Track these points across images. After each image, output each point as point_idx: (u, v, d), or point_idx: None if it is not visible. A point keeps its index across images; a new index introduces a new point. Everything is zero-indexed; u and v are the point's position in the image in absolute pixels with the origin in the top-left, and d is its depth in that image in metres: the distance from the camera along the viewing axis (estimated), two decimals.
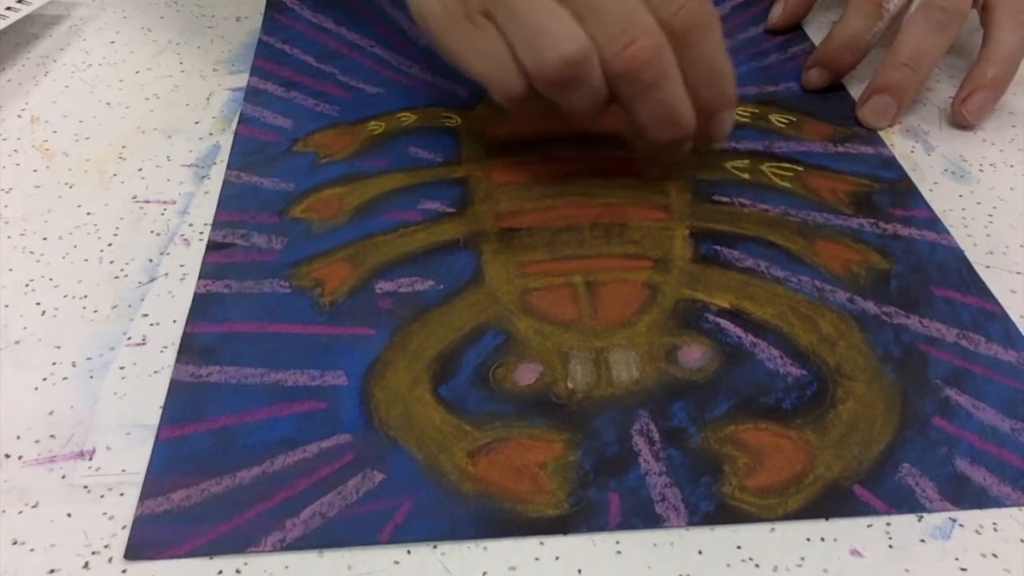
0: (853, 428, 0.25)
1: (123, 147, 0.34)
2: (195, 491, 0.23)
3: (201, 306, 0.28)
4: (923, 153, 0.35)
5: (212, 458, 0.23)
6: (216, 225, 0.31)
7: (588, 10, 0.27)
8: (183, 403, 0.25)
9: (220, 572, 0.21)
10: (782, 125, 0.36)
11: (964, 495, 0.23)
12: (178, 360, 0.26)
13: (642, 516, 0.22)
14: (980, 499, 0.23)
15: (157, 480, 0.23)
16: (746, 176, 0.33)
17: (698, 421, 0.25)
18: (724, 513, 0.22)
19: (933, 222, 0.32)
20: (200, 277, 0.29)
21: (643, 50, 0.27)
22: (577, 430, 0.24)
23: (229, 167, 0.33)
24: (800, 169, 0.34)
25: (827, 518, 0.22)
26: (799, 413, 0.25)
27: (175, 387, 0.25)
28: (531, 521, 0.22)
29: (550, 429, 0.24)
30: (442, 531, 0.22)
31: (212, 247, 0.30)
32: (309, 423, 0.24)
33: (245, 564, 0.21)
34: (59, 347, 0.26)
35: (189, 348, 0.26)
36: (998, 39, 0.36)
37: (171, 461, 0.23)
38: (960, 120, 0.36)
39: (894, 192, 0.33)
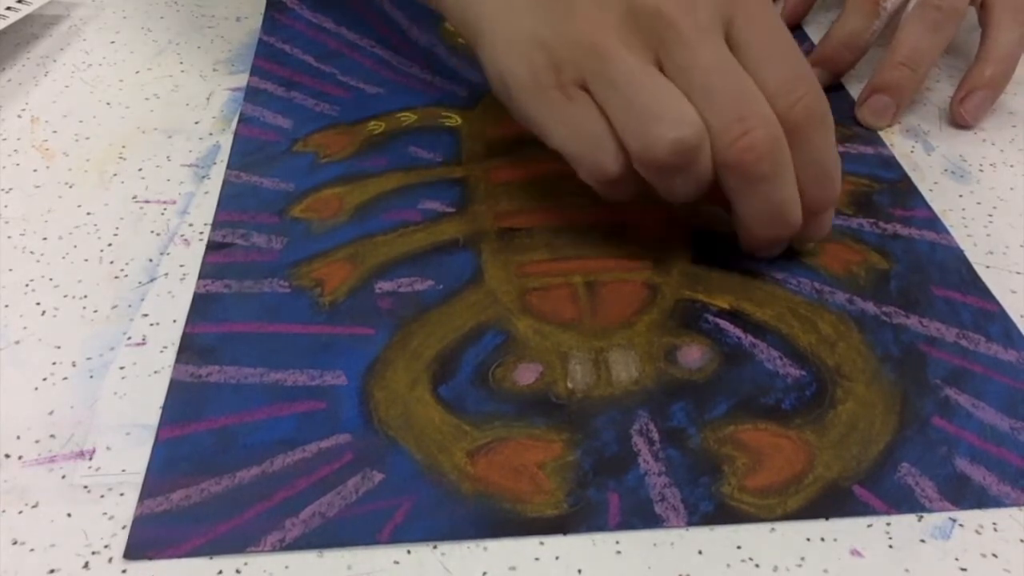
0: (852, 428, 0.25)
1: (123, 147, 0.34)
2: (195, 491, 0.23)
3: (201, 306, 0.28)
4: (923, 153, 0.35)
5: (212, 458, 0.23)
6: (216, 225, 0.31)
7: (702, 91, 0.25)
8: (183, 403, 0.25)
9: (220, 572, 0.21)
10: None
11: (964, 494, 0.23)
12: (178, 360, 0.26)
13: (641, 516, 0.22)
14: (980, 498, 0.23)
15: (157, 480, 0.23)
16: None
17: (697, 421, 0.25)
18: (723, 513, 0.22)
19: (933, 222, 0.32)
20: (200, 277, 0.29)
21: (760, 142, 0.25)
22: (576, 430, 0.24)
23: (229, 167, 0.33)
24: None
25: (827, 518, 0.22)
26: (798, 413, 0.25)
27: (175, 387, 0.25)
28: (530, 521, 0.22)
29: (549, 429, 0.24)
30: (441, 531, 0.22)
31: (212, 247, 0.30)
32: (309, 423, 0.24)
33: (245, 564, 0.21)
34: (59, 347, 0.26)
35: (189, 348, 0.26)
36: (996, 38, 0.36)
37: (171, 461, 0.23)
38: (958, 120, 0.36)
39: (894, 192, 0.33)
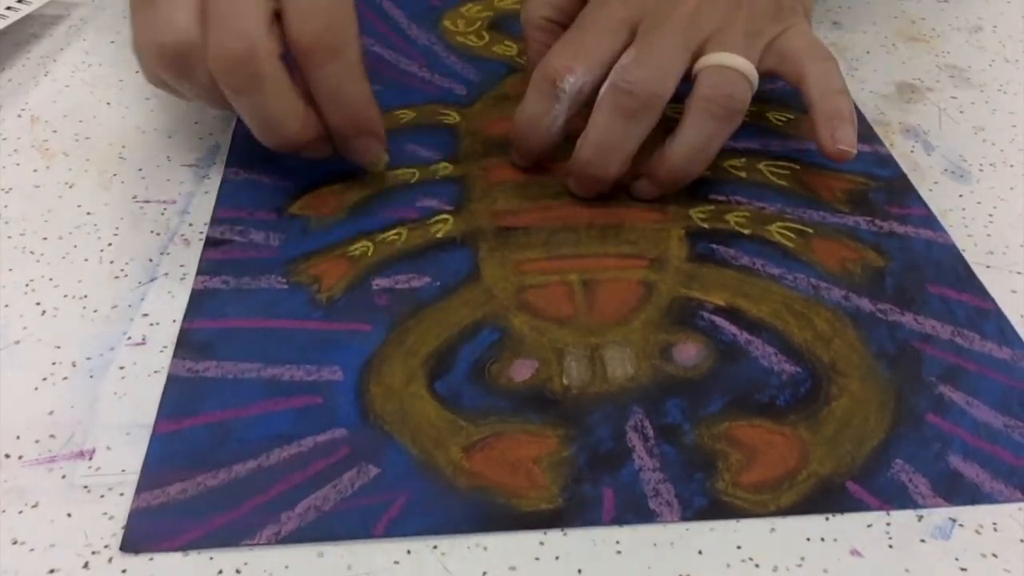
0: (847, 425, 0.25)
1: (123, 147, 0.35)
2: (191, 484, 0.23)
3: (198, 302, 0.28)
4: (923, 153, 0.35)
5: (208, 452, 0.24)
6: (214, 221, 0.31)
7: (212, 7, 0.27)
8: (180, 398, 0.25)
9: (220, 572, 0.21)
10: (780, 123, 0.36)
11: (957, 491, 0.23)
12: (175, 355, 0.26)
13: (635, 511, 0.23)
14: (973, 495, 0.23)
15: (153, 474, 0.23)
16: (743, 174, 0.34)
17: (692, 418, 0.25)
18: (717, 509, 0.23)
19: (929, 220, 0.32)
20: (198, 273, 0.29)
21: (229, 52, 0.27)
22: (572, 426, 0.24)
23: (228, 164, 0.33)
24: (797, 167, 0.34)
25: (820, 514, 0.23)
26: (793, 410, 0.25)
27: (172, 382, 0.25)
28: (525, 516, 0.22)
29: (545, 425, 0.24)
30: (436, 525, 0.22)
31: (210, 243, 0.30)
32: (305, 418, 0.25)
33: (245, 564, 0.21)
34: (59, 347, 0.27)
35: (186, 343, 0.27)
36: (815, 76, 0.31)
37: (167, 455, 0.24)
38: (842, 157, 0.31)
39: (891, 190, 0.33)
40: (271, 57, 0.28)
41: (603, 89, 0.30)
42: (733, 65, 0.30)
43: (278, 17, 0.28)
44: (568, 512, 0.22)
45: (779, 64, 0.32)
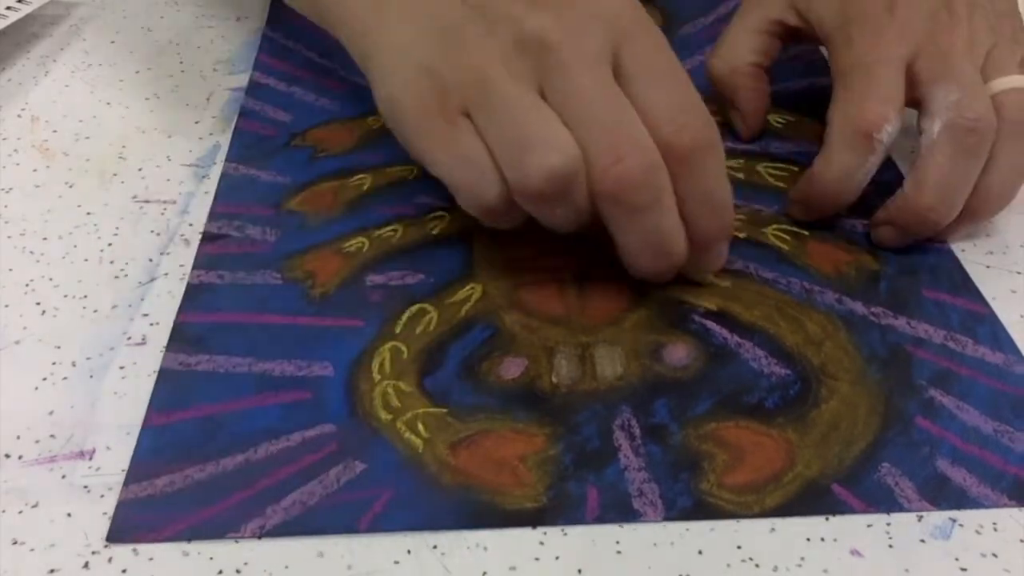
0: (835, 427, 0.25)
1: (123, 147, 0.35)
2: (179, 477, 0.23)
3: (193, 296, 0.28)
4: None
5: (197, 445, 0.24)
6: (212, 216, 0.31)
7: (579, 119, 0.25)
8: (171, 391, 0.25)
9: (220, 572, 0.21)
10: (779, 125, 0.36)
11: (943, 495, 0.23)
12: (168, 348, 0.26)
13: (619, 510, 0.23)
14: (959, 500, 0.23)
15: (142, 466, 0.23)
16: (740, 176, 0.34)
17: (680, 418, 0.25)
18: (701, 509, 0.23)
19: None
20: (193, 268, 0.29)
21: (633, 169, 0.24)
22: (559, 424, 0.25)
23: (228, 160, 0.34)
24: (795, 169, 0.34)
25: (804, 516, 0.23)
26: (781, 412, 0.25)
27: (164, 375, 0.26)
28: (509, 513, 0.23)
29: (532, 423, 0.25)
30: (420, 522, 0.22)
31: (207, 238, 0.30)
32: (294, 412, 0.25)
33: (245, 564, 0.22)
34: (59, 347, 0.27)
35: (179, 337, 0.27)
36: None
37: (156, 448, 0.24)
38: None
39: (888, 193, 0.33)
40: (665, 168, 0.25)
41: (938, 129, 0.29)
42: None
43: None
44: (551, 510, 0.23)
45: None
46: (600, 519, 0.23)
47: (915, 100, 0.30)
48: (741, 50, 0.35)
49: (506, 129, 0.25)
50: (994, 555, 0.22)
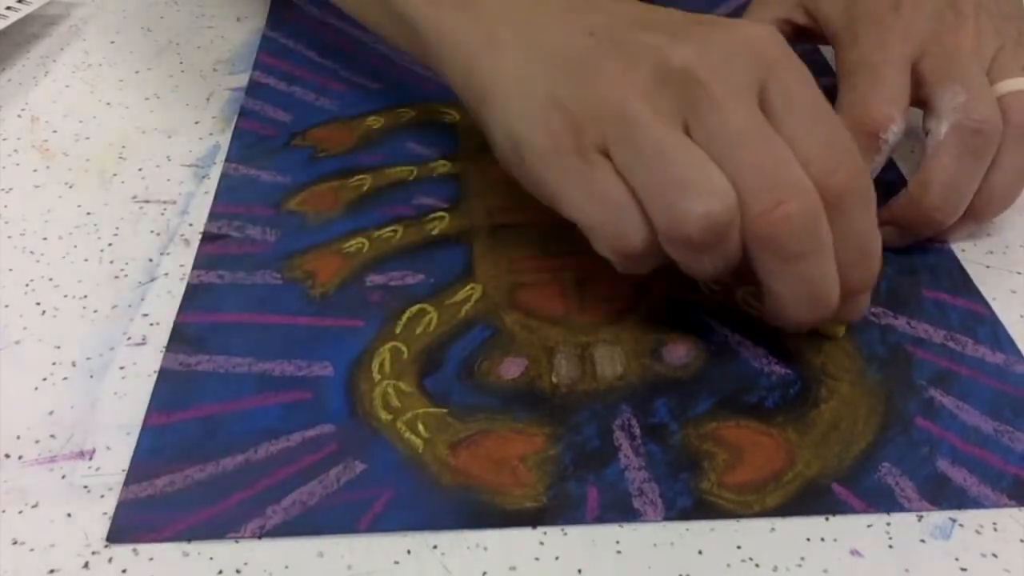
0: (835, 427, 0.25)
1: (123, 147, 0.35)
2: (179, 477, 0.23)
3: (193, 296, 0.28)
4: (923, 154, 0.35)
5: (197, 445, 0.24)
6: (212, 216, 0.31)
7: (732, 159, 0.23)
8: (171, 391, 0.25)
9: (220, 572, 0.21)
10: None
11: (943, 495, 0.23)
12: (168, 348, 0.26)
13: (619, 510, 0.23)
14: (959, 500, 0.23)
15: (142, 466, 0.23)
16: None
17: (680, 417, 0.25)
18: (701, 509, 0.23)
19: None
20: (193, 268, 0.29)
21: (795, 214, 0.22)
22: (559, 424, 0.25)
23: (228, 159, 0.34)
24: None
25: (804, 515, 0.23)
26: (781, 411, 0.25)
27: (164, 375, 0.26)
28: (509, 513, 0.23)
29: (532, 423, 0.25)
30: (420, 522, 0.22)
31: (207, 238, 0.30)
32: (294, 412, 0.25)
33: (245, 564, 0.22)
34: (59, 347, 0.27)
35: (179, 337, 0.27)
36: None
37: (157, 448, 0.24)
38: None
39: (889, 193, 0.33)
40: (825, 214, 0.23)
41: (945, 130, 0.29)
42: None
43: None
44: (551, 510, 0.23)
45: None
46: (600, 519, 0.23)
47: (920, 100, 0.30)
48: None
49: (655, 170, 0.23)
50: (994, 555, 0.22)
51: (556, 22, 0.26)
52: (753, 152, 0.23)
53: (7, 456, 0.24)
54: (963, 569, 0.22)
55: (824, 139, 0.23)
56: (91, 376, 0.26)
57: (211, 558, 0.22)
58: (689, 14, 0.26)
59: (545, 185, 0.25)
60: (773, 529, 0.22)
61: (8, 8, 0.39)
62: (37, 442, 0.24)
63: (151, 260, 0.30)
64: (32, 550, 0.22)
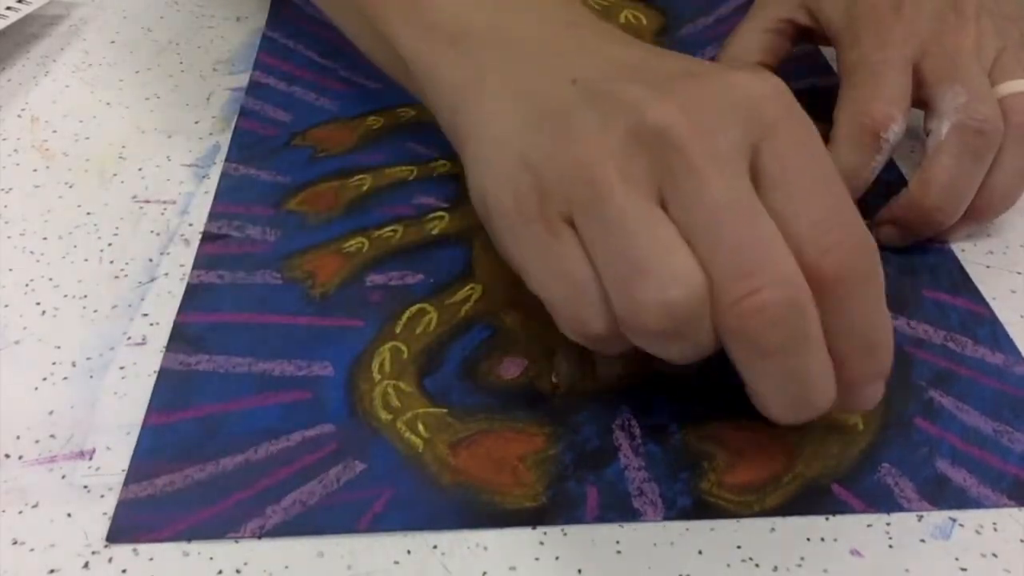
0: (834, 427, 0.25)
1: (123, 147, 0.35)
2: (178, 477, 0.23)
3: (193, 296, 0.28)
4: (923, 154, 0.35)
5: (197, 445, 0.24)
6: (212, 216, 0.31)
7: (706, 236, 0.20)
8: (171, 390, 0.25)
9: (220, 572, 0.21)
10: None
11: (943, 496, 0.23)
12: (168, 348, 0.26)
13: (619, 510, 0.23)
14: (959, 500, 0.23)
15: (141, 466, 0.23)
16: None
17: (679, 417, 0.25)
18: (701, 509, 0.23)
19: None
20: (193, 268, 0.29)
21: (770, 304, 0.19)
22: (559, 424, 0.25)
23: (228, 159, 0.34)
24: None
25: (804, 515, 0.23)
26: None
27: (164, 375, 0.26)
28: (509, 513, 0.23)
29: (532, 422, 0.25)
30: (420, 521, 0.22)
31: (207, 238, 0.30)
32: (294, 412, 0.25)
33: (245, 564, 0.22)
34: (59, 347, 0.27)
35: (179, 337, 0.27)
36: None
37: (156, 447, 0.24)
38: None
39: (888, 193, 0.33)
40: (813, 303, 0.20)
41: (946, 130, 0.29)
42: None
43: None
44: (551, 510, 0.23)
45: None
46: (600, 518, 0.23)
47: (921, 101, 0.30)
48: (751, 48, 0.35)
49: (614, 248, 0.20)
50: (994, 555, 0.22)
51: (543, 67, 0.24)
52: (731, 229, 0.20)
53: (7, 456, 0.24)
54: (963, 569, 0.22)
55: (821, 214, 0.20)
56: (91, 376, 0.26)
57: (211, 558, 0.22)
58: (693, 60, 0.23)
59: (509, 251, 0.23)
60: (773, 529, 0.22)
61: (8, 8, 0.39)
62: (37, 442, 0.24)
63: (151, 260, 0.30)
64: (32, 550, 0.22)
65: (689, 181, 0.20)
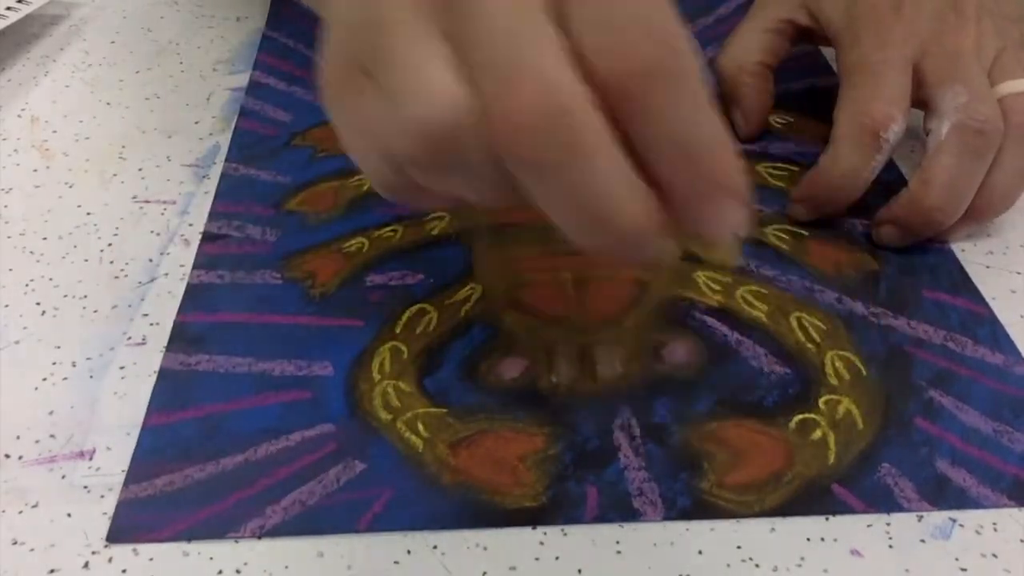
0: (834, 427, 0.25)
1: (123, 147, 0.35)
2: (178, 477, 0.23)
3: (193, 295, 0.28)
4: (923, 154, 0.35)
5: (197, 445, 0.24)
6: (212, 216, 0.31)
7: (474, 50, 0.18)
8: (171, 390, 0.25)
9: (220, 572, 0.21)
10: (779, 125, 0.36)
11: (943, 496, 0.23)
12: (168, 348, 0.26)
13: (619, 510, 0.23)
14: (959, 500, 0.23)
15: (142, 465, 0.23)
16: None
17: (680, 417, 0.25)
18: (701, 509, 0.23)
19: None
20: (194, 267, 0.29)
21: (526, 110, 0.17)
22: (559, 424, 0.25)
23: (228, 159, 0.34)
24: (795, 169, 0.34)
25: (804, 516, 0.23)
26: (781, 411, 0.25)
27: (164, 375, 0.26)
28: (509, 513, 0.23)
29: (532, 423, 0.25)
30: (420, 521, 0.22)
31: (207, 238, 0.30)
32: (294, 412, 0.25)
33: (245, 564, 0.22)
34: (59, 347, 0.27)
35: (179, 337, 0.27)
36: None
37: (156, 447, 0.24)
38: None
39: (888, 193, 0.33)
40: (590, 110, 0.18)
41: (946, 130, 0.29)
42: None
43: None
44: (551, 510, 0.23)
45: None
46: (600, 518, 0.23)
47: (921, 101, 0.30)
48: (751, 48, 0.35)
49: (387, 82, 0.19)
50: (994, 555, 0.22)
51: None
52: (498, 41, 0.17)
53: (7, 456, 0.24)
54: (963, 569, 0.22)
55: (611, 16, 0.17)
56: (91, 376, 0.26)
57: (211, 558, 0.22)
58: None
59: (332, 122, 0.21)
60: (773, 529, 0.22)
61: (8, 8, 0.39)
62: (37, 442, 0.24)
63: (151, 260, 0.30)
64: (32, 550, 0.22)
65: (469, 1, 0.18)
